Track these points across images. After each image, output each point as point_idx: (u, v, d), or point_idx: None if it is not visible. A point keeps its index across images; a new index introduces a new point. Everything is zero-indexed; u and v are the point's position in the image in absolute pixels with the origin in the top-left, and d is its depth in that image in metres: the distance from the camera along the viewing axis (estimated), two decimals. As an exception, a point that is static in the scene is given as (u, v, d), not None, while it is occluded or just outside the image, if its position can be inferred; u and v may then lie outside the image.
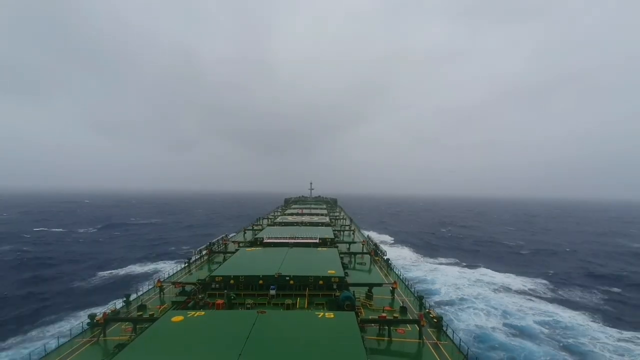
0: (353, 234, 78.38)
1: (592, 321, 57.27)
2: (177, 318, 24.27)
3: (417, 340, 25.74)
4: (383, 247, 64.36)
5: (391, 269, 48.28)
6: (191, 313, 25.51)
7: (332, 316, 24.78)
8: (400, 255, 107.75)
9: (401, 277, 43.76)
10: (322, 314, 25.32)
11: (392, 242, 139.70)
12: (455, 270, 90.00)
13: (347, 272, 39.72)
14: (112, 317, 27.81)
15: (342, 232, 77.58)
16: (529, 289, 75.33)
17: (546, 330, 52.07)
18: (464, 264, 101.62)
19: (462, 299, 64.35)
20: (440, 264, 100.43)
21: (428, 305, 33.86)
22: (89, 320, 27.61)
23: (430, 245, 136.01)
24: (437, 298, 65.48)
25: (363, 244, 63.37)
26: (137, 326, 26.39)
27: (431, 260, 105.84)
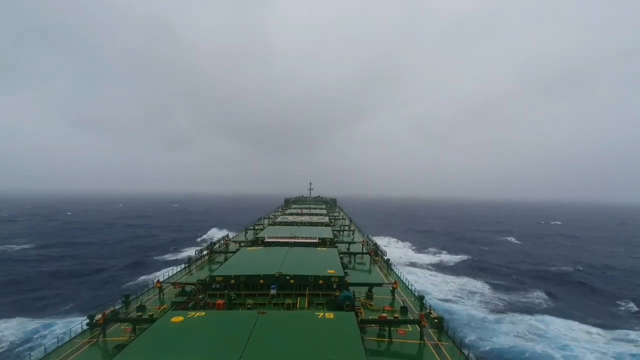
0: (353, 234, 78.61)
1: None
2: (177, 318, 24.21)
3: (418, 341, 25.61)
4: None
5: (391, 269, 48.22)
6: (191, 313, 25.45)
7: (332, 316, 24.70)
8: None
9: (401, 277, 43.73)
10: (321, 314, 25.26)
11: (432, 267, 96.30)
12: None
13: (346, 272, 39.67)
14: (112, 318, 27.76)
15: (341, 232, 77.79)
16: None
17: None
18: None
19: None
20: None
21: (429, 305, 33.78)
22: (88, 321, 27.58)
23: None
24: None
25: (363, 244, 63.38)
26: (137, 327, 26.36)
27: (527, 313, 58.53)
